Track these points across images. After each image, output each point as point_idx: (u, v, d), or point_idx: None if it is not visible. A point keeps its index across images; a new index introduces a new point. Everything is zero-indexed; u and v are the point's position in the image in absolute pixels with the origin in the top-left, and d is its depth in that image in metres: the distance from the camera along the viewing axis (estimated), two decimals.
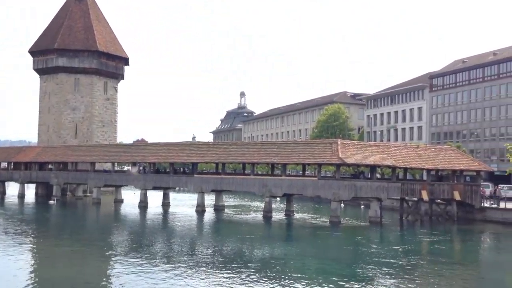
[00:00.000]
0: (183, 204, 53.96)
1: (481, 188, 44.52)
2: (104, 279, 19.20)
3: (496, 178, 57.66)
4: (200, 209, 45.09)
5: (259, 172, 61.10)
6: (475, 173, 44.82)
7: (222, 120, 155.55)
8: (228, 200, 59.68)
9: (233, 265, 21.17)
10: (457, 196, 40.94)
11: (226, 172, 48.45)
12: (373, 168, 40.19)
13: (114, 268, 20.84)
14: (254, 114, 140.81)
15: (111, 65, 71.79)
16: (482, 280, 21.24)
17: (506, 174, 52.74)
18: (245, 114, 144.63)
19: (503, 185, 52.56)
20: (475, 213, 42.03)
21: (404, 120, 79.71)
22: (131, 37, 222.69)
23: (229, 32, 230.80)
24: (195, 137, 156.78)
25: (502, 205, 41.45)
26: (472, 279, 20.97)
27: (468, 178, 47.54)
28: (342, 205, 53.20)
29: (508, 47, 68.29)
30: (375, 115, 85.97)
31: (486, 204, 42.80)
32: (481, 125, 66.20)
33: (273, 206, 44.91)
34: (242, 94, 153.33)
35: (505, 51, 66.84)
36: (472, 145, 66.51)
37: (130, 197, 57.06)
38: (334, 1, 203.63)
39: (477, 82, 67.19)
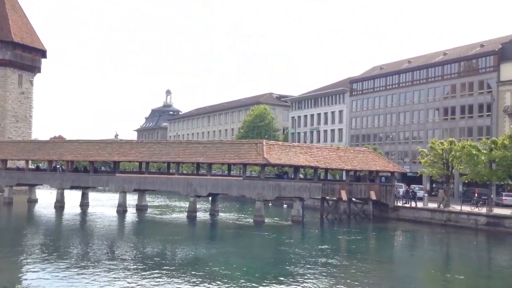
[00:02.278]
0: (103, 204, 52.01)
1: (396, 188, 47.34)
2: (13, 286, 17.97)
3: (409, 179, 61.51)
4: (122, 209, 43.72)
5: (184, 172, 60.48)
6: (389, 174, 47.60)
7: (146, 118, 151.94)
8: (152, 200, 58.42)
9: (155, 267, 20.73)
10: (373, 195, 43.25)
11: (150, 171, 47.40)
12: (296, 168, 41.27)
13: (25, 274, 19.53)
14: (180, 113, 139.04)
15: (27, 57, 67.51)
16: (395, 275, 22.53)
17: (418, 175, 56.48)
18: (171, 112, 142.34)
19: (415, 185, 56.22)
20: (389, 212, 44.61)
21: (326, 122, 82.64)
22: (52, 30, 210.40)
23: (158, 28, 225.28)
24: (117, 135, 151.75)
25: (413, 204, 44.35)
26: (386, 275, 22.18)
27: (383, 179, 50.30)
28: (270, 204, 54.26)
29: (421, 55, 73.16)
30: (299, 117, 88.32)
31: (399, 203, 45.57)
32: (396, 129, 70.29)
33: (198, 206, 44.63)
34: (168, 92, 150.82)
35: (418, 59, 71.52)
36: (387, 147, 70.42)
37: (45, 197, 54.01)
38: (250, 4, 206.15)
39: (393, 88, 71.26)
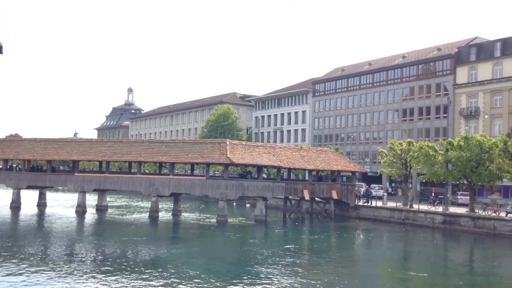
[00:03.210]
0: (62, 205, 50.56)
1: (356, 188, 48.31)
2: None
3: (369, 179, 62.85)
4: (81, 210, 42.62)
5: (146, 171, 59.60)
6: (350, 174, 48.50)
7: (107, 117, 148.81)
8: (112, 201, 57.25)
9: (115, 269, 20.32)
10: (334, 195, 43.98)
11: (110, 171, 46.43)
12: (260, 168, 41.43)
13: None
14: (142, 112, 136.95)
15: None
16: (356, 273, 22.96)
17: (378, 175, 57.79)
18: (133, 111, 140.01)
19: (375, 185, 57.53)
20: (350, 211, 45.49)
21: (289, 122, 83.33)
22: (8, 26, 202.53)
23: (118, 24, 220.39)
24: (77, 133, 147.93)
25: (373, 203, 45.39)
26: (347, 273, 22.55)
27: (344, 179, 51.22)
28: (235, 204, 54.25)
29: (381, 58, 74.88)
30: (263, 117, 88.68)
31: (360, 202, 46.53)
32: (357, 129, 71.67)
33: (160, 206, 44.09)
34: (130, 90, 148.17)
35: (378, 62, 73.18)
36: (349, 147, 71.72)
37: (0, 197, 51.98)
38: (215, 3, 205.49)
39: (354, 89, 72.63)
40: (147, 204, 49.33)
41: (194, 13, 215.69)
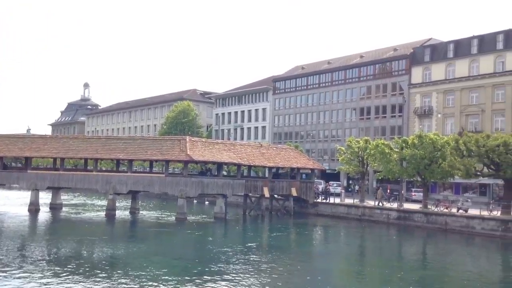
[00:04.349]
0: (14, 203, 48.65)
1: (315, 185, 49.00)
2: None
3: (328, 176, 63.90)
4: (34, 208, 41.11)
5: (103, 168, 58.25)
6: (310, 171, 49.15)
7: (62, 112, 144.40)
8: (68, 199, 55.59)
9: (69, 269, 19.72)
10: (294, 192, 44.47)
11: (65, 168, 45.06)
12: (220, 165, 41.31)
13: None
14: (99, 107, 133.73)
15: None
16: (314, 269, 23.28)
17: (336, 172, 58.85)
18: (89, 106, 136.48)
19: (333, 182, 58.56)
20: (309, 208, 46.12)
21: (250, 120, 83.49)
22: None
23: (75, 16, 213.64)
24: (30, 129, 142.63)
25: (331, 200, 46.18)
26: (305, 269, 22.82)
27: (304, 176, 51.84)
28: (195, 201, 53.84)
29: (340, 57, 76.20)
30: (223, 114, 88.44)
31: (319, 199, 47.25)
32: (316, 127, 72.67)
33: (118, 204, 43.20)
34: (86, 85, 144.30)
35: (337, 61, 74.44)
36: (308, 145, 72.63)
37: None
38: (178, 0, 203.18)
39: (314, 88, 73.57)
40: (103, 202, 48.22)
41: (155, 8, 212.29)
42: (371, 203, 43.18)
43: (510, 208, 34.16)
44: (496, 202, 39.59)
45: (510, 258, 27.99)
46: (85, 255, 23.64)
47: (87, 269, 19.86)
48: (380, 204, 41.79)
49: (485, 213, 34.89)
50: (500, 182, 39.46)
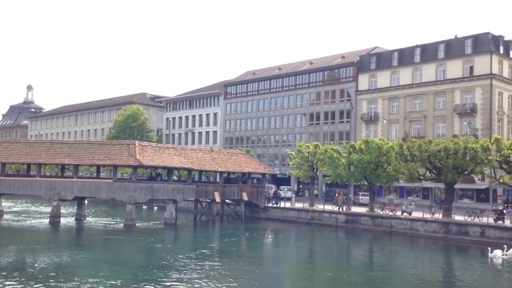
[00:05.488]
0: None
1: (266, 189, 49.35)
2: None
3: (278, 180, 64.53)
4: None
5: (47, 174, 56.02)
6: (261, 176, 49.48)
7: (4, 116, 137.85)
8: (9, 205, 52.94)
9: (10, 279, 18.78)
10: (245, 196, 44.59)
11: (6, 173, 42.94)
12: (170, 170, 40.77)
13: None
14: (44, 111, 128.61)
15: None
16: (264, 273, 23.43)
17: (286, 176, 59.56)
18: (33, 109, 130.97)
19: (284, 186, 59.21)
20: (260, 212, 46.39)
21: (201, 124, 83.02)
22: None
23: (17, 14, 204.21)
24: None
25: (282, 204, 46.66)
26: (256, 274, 22.92)
27: (255, 180, 52.12)
28: (145, 207, 52.74)
29: (291, 63, 77.39)
30: (174, 118, 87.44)
31: (269, 204, 47.60)
32: (267, 132, 73.28)
33: (63, 210, 41.64)
34: (30, 88, 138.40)
35: (288, 67, 75.54)
36: (259, 150, 73.09)
37: None
38: (126, 1, 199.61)
39: (265, 93, 74.26)
40: (48, 209, 46.35)
41: (103, 10, 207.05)
42: (320, 207, 43.99)
43: (450, 210, 35.84)
44: (438, 205, 41.38)
45: (451, 259, 29.35)
46: (27, 264, 22.59)
47: (29, 279, 18.99)
48: (341, 209, 41.78)
49: (427, 215, 36.39)
50: (442, 185, 41.29)
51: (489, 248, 27.22)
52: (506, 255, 26.65)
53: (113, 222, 41.74)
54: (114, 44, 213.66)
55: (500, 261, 26.19)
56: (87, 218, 42.81)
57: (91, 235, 34.93)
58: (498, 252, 26.72)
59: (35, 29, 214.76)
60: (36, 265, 22.42)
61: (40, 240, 31.09)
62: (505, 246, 27.32)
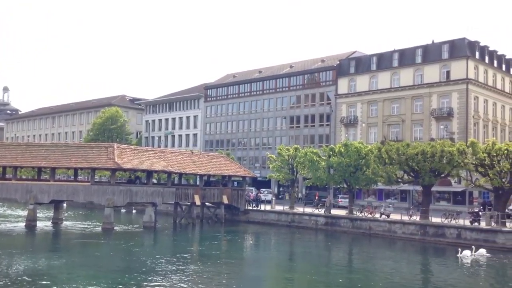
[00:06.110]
0: None
1: (247, 192, 49.31)
2: None
3: (259, 183, 64.59)
4: None
5: (23, 177, 54.93)
6: (241, 179, 49.47)
7: None
8: None
9: None
10: (225, 199, 44.51)
11: None
12: (149, 173, 40.42)
13: None
14: (20, 112, 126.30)
15: None
16: (244, 276, 23.42)
17: (267, 179, 59.65)
18: (9, 111, 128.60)
19: (264, 189, 59.28)
20: (240, 215, 46.34)
21: (181, 127, 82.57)
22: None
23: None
24: None
25: (262, 207, 46.71)
26: (236, 277, 22.89)
27: (235, 183, 52.05)
28: (124, 210, 52.08)
29: (271, 66, 77.67)
30: (153, 121, 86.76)
31: (250, 206, 47.60)
32: (247, 135, 73.33)
33: (39, 214, 40.85)
34: (6, 89, 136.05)
35: (268, 70, 75.78)
36: (239, 153, 73.06)
37: None
38: (109, 2, 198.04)
39: (245, 96, 74.34)
40: (24, 213, 45.43)
41: (83, 12, 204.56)
42: (300, 209, 44.16)
43: (428, 213, 36.40)
44: (416, 207, 41.95)
45: (428, 260, 29.80)
46: (2, 269, 22.07)
47: (5, 286, 18.57)
48: (326, 212, 41.59)
49: (405, 218, 36.88)
50: (419, 188, 41.91)
51: (459, 249, 27.96)
52: (474, 255, 27.61)
53: (91, 226, 41.14)
54: (93, 46, 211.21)
55: (469, 261, 27.01)
56: (64, 222, 42.08)
57: (69, 239, 34.35)
58: (467, 253, 27.73)
59: (13, 29, 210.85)
60: (11, 270, 21.91)
61: (16, 244, 30.44)
62: (473, 246, 28.24)
